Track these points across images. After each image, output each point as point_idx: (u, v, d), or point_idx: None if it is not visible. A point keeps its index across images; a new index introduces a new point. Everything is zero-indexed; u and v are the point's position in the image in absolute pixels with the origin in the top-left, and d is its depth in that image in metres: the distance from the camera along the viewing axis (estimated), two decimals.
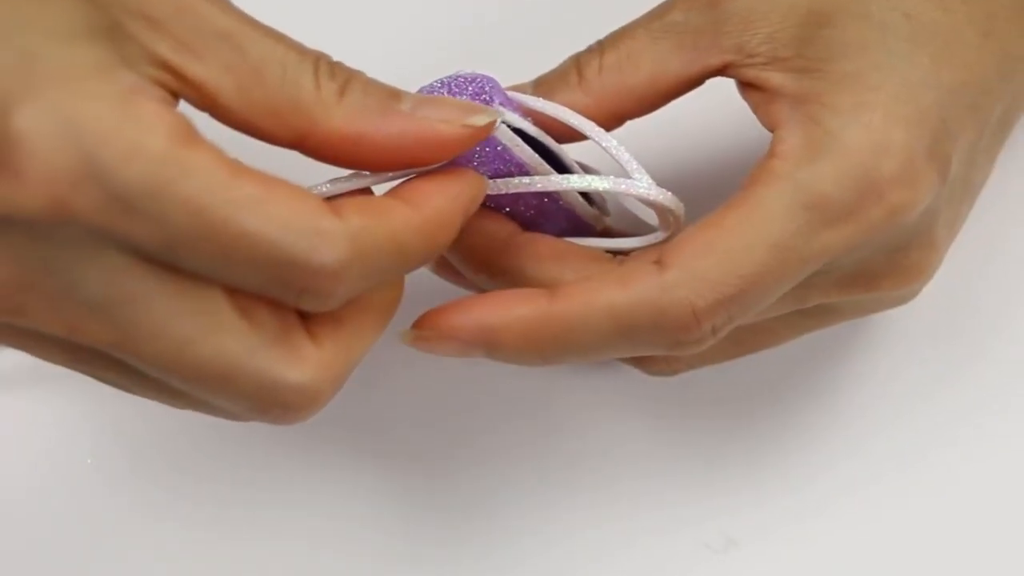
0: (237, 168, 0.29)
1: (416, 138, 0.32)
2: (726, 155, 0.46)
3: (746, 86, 0.37)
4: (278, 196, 0.29)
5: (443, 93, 0.35)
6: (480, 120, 0.33)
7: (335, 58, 0.32)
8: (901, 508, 0.44)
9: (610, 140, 0.36)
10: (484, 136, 0.33)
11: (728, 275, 0.33)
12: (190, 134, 0.29)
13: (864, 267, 0.36)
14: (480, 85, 0.35)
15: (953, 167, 0.35)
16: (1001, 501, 0.44)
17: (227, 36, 0.30)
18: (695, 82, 0.37)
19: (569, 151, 0.38)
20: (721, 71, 0.37)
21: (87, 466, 0.45)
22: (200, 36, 0.30)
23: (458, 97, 0.35)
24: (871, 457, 0.44)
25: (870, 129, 0.33)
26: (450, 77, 0.36)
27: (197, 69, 0.30)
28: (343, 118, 0.32)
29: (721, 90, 0.37)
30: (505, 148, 0.35)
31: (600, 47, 0.38)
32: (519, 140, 0.35)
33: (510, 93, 0.37)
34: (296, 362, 0.31)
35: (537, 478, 0.45)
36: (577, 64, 0.38)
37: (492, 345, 0.34)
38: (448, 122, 0.32)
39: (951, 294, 0.46)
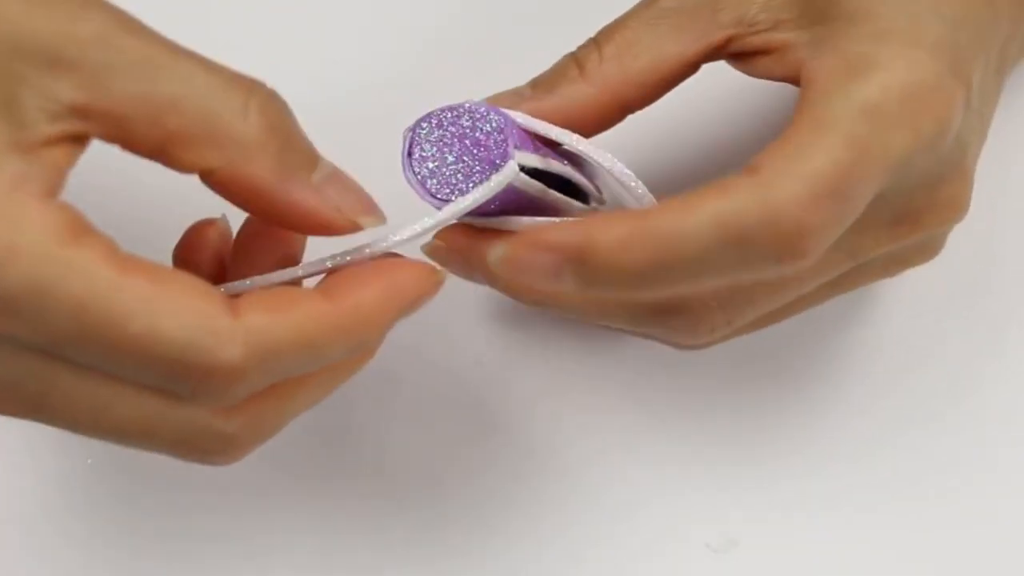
0: (126, 264, 0.29)
1: (308, 215, 0.32)
2: (725, 156, 0.46)
3: (753, 56, 0.37)
4: (169, 295, 0.29)
5: (462, 124, 0.36)
6: (367, 222, 0.33)
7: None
8: (902, 508, 0.44)
9: (604, 156, 0.37)
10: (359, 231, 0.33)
11: (819, 169, 0.32)
12: (76, 230, 0.29)
13: (909, 203, 0.35)
14: (504, 138, 0.36)
15: (973, 91, 0.35)
16: (1006, 504, 0.44)
17: (143, 63, 0.30)
18: (697, 63, 0.37)
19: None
20: (724, 47, 0.37)
21: (87, 466, 0.45)
22: (112, 66, 0.29)
23: (476, 136, 0.36)
24: (872, 457, 0.45)
25: (896, 50, 0.33)
26: (467, 109, 0.36)
27: (106, 101, 0.30)
28: (257, 168, 0.31)
29: (720, 88, 0.37)
30: (511, 187, 0.36)
31: (596, 41, 0.38)
32: (526, 179, 0.36)
33: (519, 118, 0.37)
34: (222, 413, 0.31)
35: (536, 478, 0.45)
36: (575, 59, 0.38)
37: (586, 257, 0.32)
38: (340, 212, 0.33)
39: (954, 294, 0.46)
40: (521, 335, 0.46)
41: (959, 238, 0.39)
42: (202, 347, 0.29)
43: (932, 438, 0.45)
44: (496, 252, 0.33)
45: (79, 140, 0.30)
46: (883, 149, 0.32)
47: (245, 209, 0.32)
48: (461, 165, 0.36)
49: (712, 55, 0.37)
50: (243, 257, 0.36)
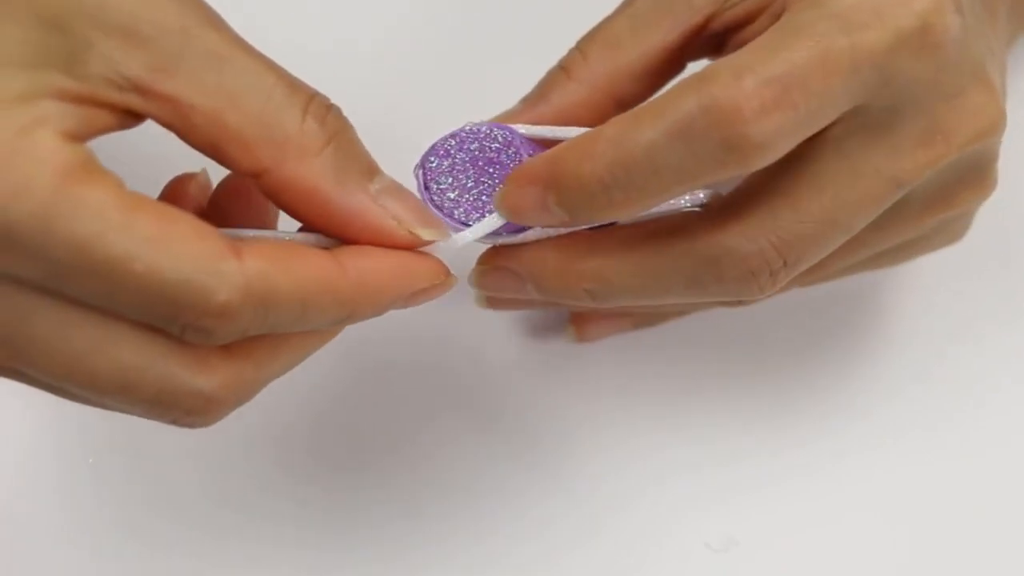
0: (133, 204, 0.29)
1: (365, 223, 0.32)
2: None
3: (739, 30, 0.37)
4: (173, 235, 0.29)
5: (470, 148, 0.36)
6: (427, 235, 0.33)
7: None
8: (903, 508, 0.44)
9: None
10: (424, 245, 0.34)
11: (769, 60, 0.32)
12: (87, 170, 0.29)
13: (933, 117, 0.34)
14: (516, 150, 0.36)
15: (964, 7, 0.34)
16: (1008, 503, 0.44)
17: (215, 58, 0.30)
18: (684, 48, 0.37)
19: None
20: (706, 27, 0.37)
21: (88, 466, 0.45)
22: (184, 56, 0.30)
23: (487, 156, 0.36)
24: (873, 456, 0.44)
25: None
26: (470, 132, 0.36)
27: (171, 87, 0.30)
28: (313, 171, 0.31)
29: None
30: None
31: (578, 47, 0.38)
32: None
33: (521, 129, 0.37)
34: (201, 370, 0.31)
35: (534, 477, 0.45)
36: (560, 67, 0.38)
37: (557, 177, 0.33)
38: (399, 222, 0.33)
39: (957, 294, 0.46)
40: (521, 335, 0.46)
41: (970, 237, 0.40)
42: (202, 285, 0.29)
43: (933, 439, 0.45)
44: (495, 200, 0.34)
45: (133, 115, 0.30)
46: (850, 47, 0.32)
47: (299, 216, 0.33)
48: (483, 187, 0.36)
49: (695, 39, 0.37)
50: (215, 217, 0.35)
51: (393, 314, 0.45)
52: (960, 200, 0.37)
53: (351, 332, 0.46)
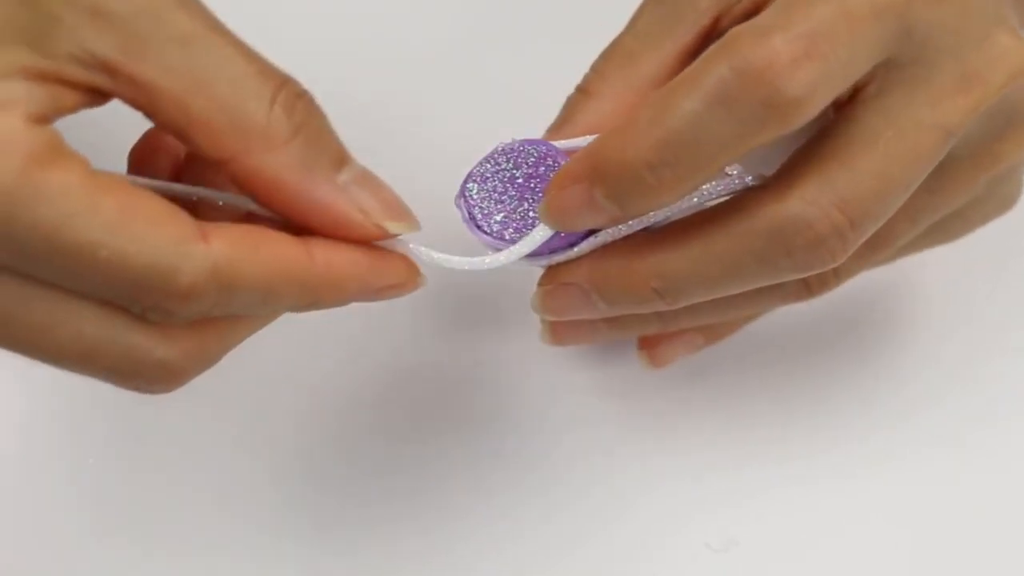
0: (99, 187, 0.29)
1: (331, 215, 0.32)
2: None
3: (751, 17, 0.36)
4: (138, 218, 0.29)
5: (506, 168, 0.36)
6: (395, 228, 0.33)
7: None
8: (905, 509, 0.44)
9: None
10: (391, 237, 0.33)
11: (793, 19, 0.32)
12: (52, 153, 0.29)
13: (965, 65, 0.34)
14: (553, 160, 0.36)
15: None
16: (1011, 509, 0.44)
17: (185, 41, 0.30)
18: (697, 51, 0.36)
19: None
20: (715, 27, 0.37)
21: (88, 466, 0.45)
22: (153, 38, 0.30)
23: (526, 172, 0.36)
24: (873, 457, 0.44)
25: None
26: (503, 151, 0.36)
27: (139, 68, 0.30)
28: (279, 162, 0.31)
29: None
30: None
31: (594, 68, 0.38)
32: None
33: (561, 146, 0.37)
34: (162, 340, 0.31)
35: (535, 478, 0.45)
36: (578, 89, 0.38)
37: (601, 167, 0.33)
38: (366, 214, 0.32)
39: (959, 302, 0.46)
40: (521, 337, 0.46)
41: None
42: (167, 268, 0.29)
43: (934, 438, 0.45)
44: (541, 209, 0.34)
45: (99, 94, 0.30)
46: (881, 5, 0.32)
47: (267, 205, 0.32)
48: (527, 203, 0.36)
49: (709, 41, 0.36)
50: (192, 170, 0.35)
51: (392, 318, 0.46)
52: (1006, 152, 0.36)
53: (351, 332, 0.46)
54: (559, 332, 0.41)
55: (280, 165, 0.31)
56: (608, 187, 0.33)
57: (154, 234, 0.29)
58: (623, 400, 0.46)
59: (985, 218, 0.40)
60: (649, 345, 0.44)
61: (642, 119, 0.32)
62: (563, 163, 0.35)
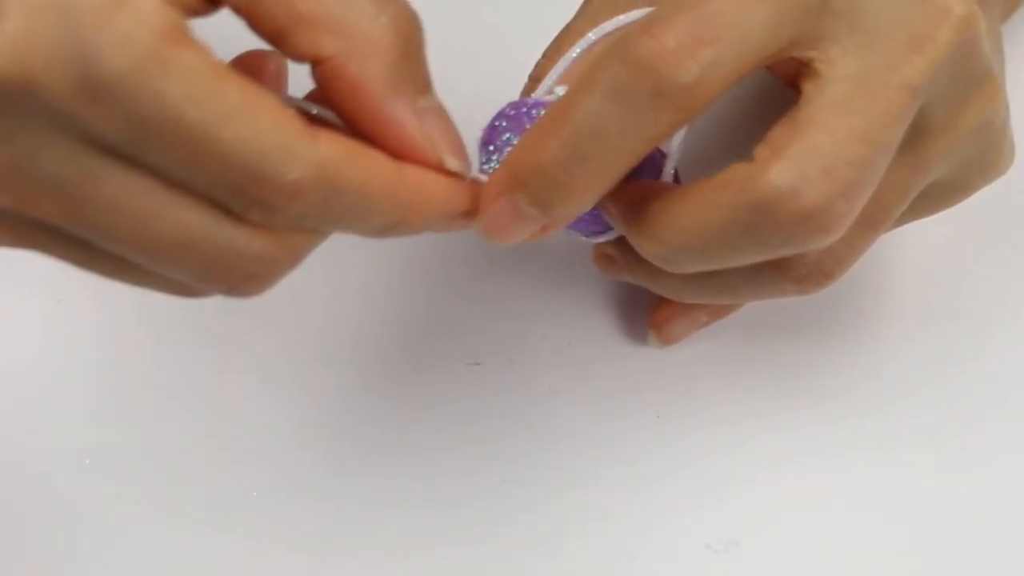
0: (222, 73, 0.29)
1: (402, 134, 0.33)
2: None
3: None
4: (257, 107, 0.29)
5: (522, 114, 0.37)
6: (452, 164, 0.34)
7: None
8: (905, 509, 0.44)
9: None
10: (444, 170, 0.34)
11: (678, 8, 0.32)
12: (182, 34, 0.29)
13: (913, 23, 0.34)
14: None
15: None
16: (1004, 504, 0.44)
17: None
18: None
19: None
20: None
21: (85, 466, 0.45)
22: None
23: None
24: (872, 457, 0.44)
25: None
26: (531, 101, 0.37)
27: None
28: (372, 69, 0.32)
29: None
30: None
31: (544, 56, 0.38)
32: None
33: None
34: (259, 234, 0.31)
35: (533, 478, 0.45)
36: (531, 79, 0.39)
37: (518, 174, 0.33)
38: (432, 144, 0.33)
39: (947, 298, 0.46)
40: (520, 335, 0.46)
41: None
42: (281, 159, 0.29)
43: (940, 439, 0.44)
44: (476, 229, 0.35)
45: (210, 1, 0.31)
46: None
47: (342, 110, 0.33)
48: None
49: None
50: None
51: (393, 305, 0.46)
52: (973, 111, 0.36)
53: (354, 329, 0.46)
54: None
55: (372, 74, 0.32)
56: (529, 193, 0.33)
57: (272, 124, 0.29)
58: (621, 399, 0.45)
59: (970, 185, 0.39)
60: (658, 325, 0.45)
61: (547, 121, 0.33)
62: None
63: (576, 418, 0.45)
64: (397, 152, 0.33)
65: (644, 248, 0.36)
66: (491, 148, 0.37)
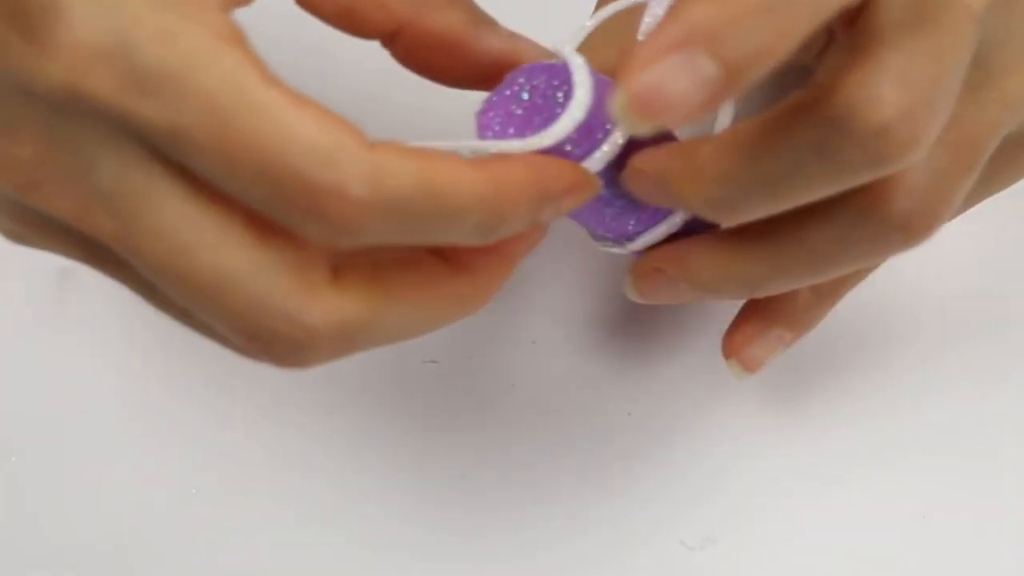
0: (271, 77, 0.28)
1: (505, 61, 0.34)
2: None
3: None
4: (305, 112, 0.28)
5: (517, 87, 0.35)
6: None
7: None
8: (882, 507, 0.44)
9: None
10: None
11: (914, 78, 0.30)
12: (233, 36, 0.28)
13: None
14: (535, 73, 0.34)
15: None
16: (989, 505, 0.44)
17: None
18: None
19: None
20: None
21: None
22: None
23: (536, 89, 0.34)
24: (851, 455, 0.44)
25: None
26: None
27: None
28: (451, 18, 0.32)
29: None
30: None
31: None
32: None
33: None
34: (303, 292, 0.29)
35: (511, 475, 0.44)
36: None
37: (713, 29, 0.28)
38: (537, 51, 0.34)
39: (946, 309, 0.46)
40: (508, 329, 0.46)
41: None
42: (331, 166, 0.28)
43: (915, 438, 0.44)
44: (619, 100, 0.28)
45: None
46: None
47: (439, 70, 0.33)
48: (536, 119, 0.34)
49: None
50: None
51: None
52: None
53: None
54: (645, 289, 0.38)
55: (453, 21, 0.33)
56: (715, 45, 0.28)
57: (321, 125, 0.28)
58: (598, 398, 0.45)
59: None
60: (736, 350, 0.41)
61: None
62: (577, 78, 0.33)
63: (552, 415, 0.45)
64: (495, 81, 0.33)
65: (699, 191, 0.32)
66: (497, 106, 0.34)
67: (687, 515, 0.44)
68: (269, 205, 0.28)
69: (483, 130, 0.34)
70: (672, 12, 0.28)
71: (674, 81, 0.27)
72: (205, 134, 0.28)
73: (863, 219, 0.33)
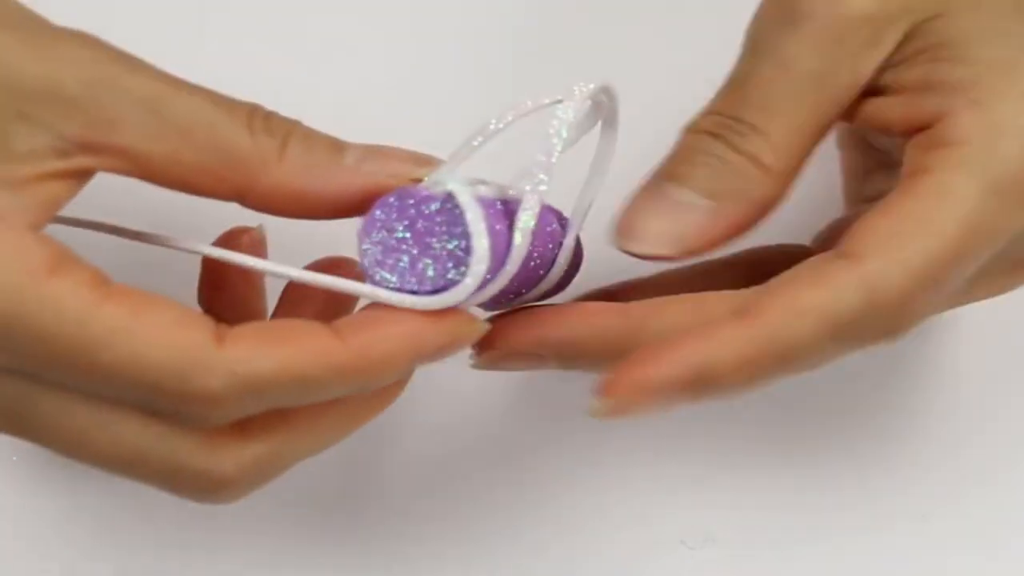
0: (107, 294, 0.29)
1: (363, 192, 0.32)
2: None
3: (868, 96, 0.34)
4: (148, 323, 0.29)
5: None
6: (425, 173, 0.33)
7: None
8: (880, 506, 0.44)
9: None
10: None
11: (930, 257, 0.31)
12: (54, 263, 0.29)
13: None
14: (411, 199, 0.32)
15: None
16: (986, 505, 0.44)
17: (147, 102, 0.30)
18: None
19: None
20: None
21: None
22: (117, 107, 0.30)
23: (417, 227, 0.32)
24: (851, 454, 0.44)
25: None
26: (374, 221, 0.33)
27: (118, 140, 0.30)
28: (285, 174, 0.32)
29: None
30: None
31: (751, 125, 0.33)
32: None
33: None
34: (209, 451, 0.31)
35: (510, 477, 0.44)
36: (744, 154, 0.33)
37: (709, 382, 0.31)
38: (396, 177, 0.32)
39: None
40: None
41: None
42: (179, 375, 0.29)
43: (909, 435, 0.45)
44: (599, 407, 0.32)
45: (83, 174, 0.30)
46: (1004, 228, 0.31)
47: (302, 216, 0.32)
48: (427, 242, 0.32)
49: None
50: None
51: None
52: None
53: None
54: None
55: (288, 177, 0.32)
56: (704, 396, 0.31)
57: (162, 338, 0.29)
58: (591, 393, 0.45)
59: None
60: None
61: (767, 344, 0.31)
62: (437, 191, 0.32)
63: (551, 415, 0.45)
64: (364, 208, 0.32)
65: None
66: (372, 237, 0.32)
67: (687, 515, 0.44)
68: (143, 404, 0.30)
69: (363, 257, 0.32)
70: (686, 352, 0.31)
71: (654, 409, 0.31)
72: (53, 367, 0.29)
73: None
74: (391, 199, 0.32)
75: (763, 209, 0.33)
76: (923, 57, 0.33)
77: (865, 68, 0.33)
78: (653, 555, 0.43)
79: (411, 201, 0.32)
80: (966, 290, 0.34)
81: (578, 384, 0.44)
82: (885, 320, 0.31)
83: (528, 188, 0.32)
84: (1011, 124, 0.32)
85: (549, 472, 0.44)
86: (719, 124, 0.33)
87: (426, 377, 0.45)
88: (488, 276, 0.32)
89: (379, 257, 0.32)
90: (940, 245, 0.31)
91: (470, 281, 0.31)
